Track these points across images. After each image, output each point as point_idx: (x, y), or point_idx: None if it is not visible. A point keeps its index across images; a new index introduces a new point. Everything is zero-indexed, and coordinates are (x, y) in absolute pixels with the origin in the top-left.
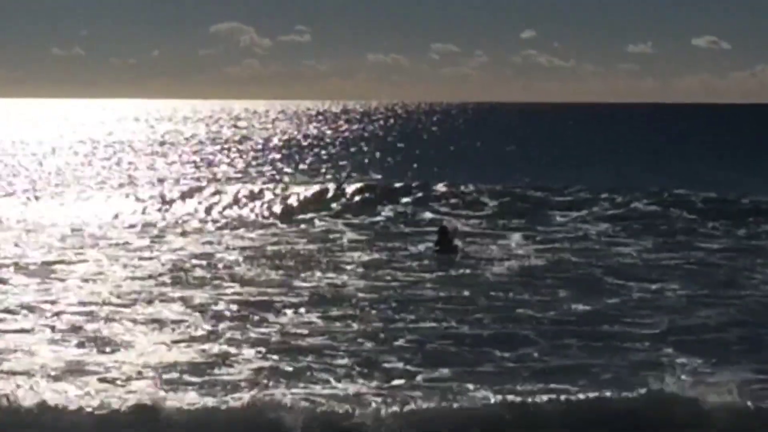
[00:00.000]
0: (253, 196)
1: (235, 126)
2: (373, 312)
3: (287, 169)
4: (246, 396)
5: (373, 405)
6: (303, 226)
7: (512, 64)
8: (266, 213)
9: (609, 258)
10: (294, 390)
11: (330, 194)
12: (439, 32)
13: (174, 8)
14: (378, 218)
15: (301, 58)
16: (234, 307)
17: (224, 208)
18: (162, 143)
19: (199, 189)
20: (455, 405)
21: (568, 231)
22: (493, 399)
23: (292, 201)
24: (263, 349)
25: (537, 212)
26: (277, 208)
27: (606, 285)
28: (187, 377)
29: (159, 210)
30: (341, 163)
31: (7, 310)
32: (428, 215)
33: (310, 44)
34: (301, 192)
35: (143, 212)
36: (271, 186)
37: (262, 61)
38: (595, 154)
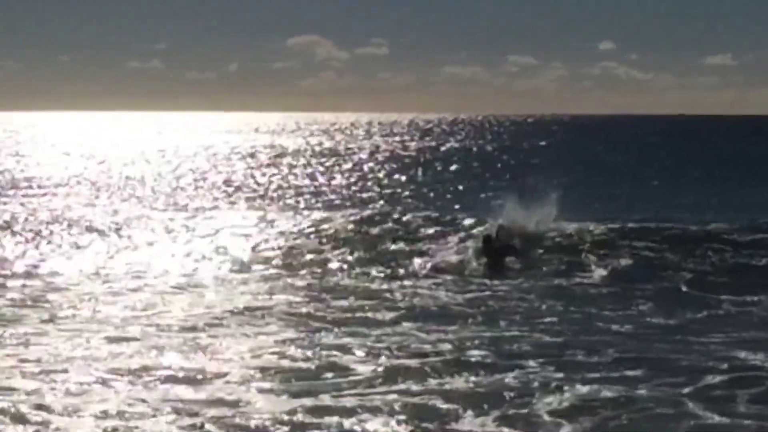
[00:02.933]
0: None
1: (332, 138)
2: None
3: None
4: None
5: None
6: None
7: (590, 76)
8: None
9: None
10: None
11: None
12: (517, 44)
13: (251, 22)
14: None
15: (378, 71)
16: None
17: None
18: (279, 155)
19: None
20: None
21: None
22: None
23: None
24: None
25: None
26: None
27: None
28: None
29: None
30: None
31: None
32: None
33: (387, 57)
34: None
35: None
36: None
37: (338, 73)
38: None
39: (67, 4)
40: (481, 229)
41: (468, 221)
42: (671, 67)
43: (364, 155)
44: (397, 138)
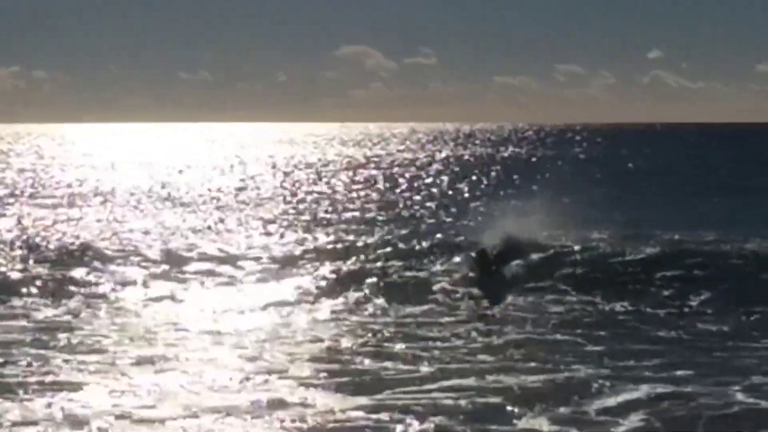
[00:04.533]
0: None
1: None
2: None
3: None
4: None
5: None
6: None
7: (639, 85)
8: None
9: None
10: None
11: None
12: (565, 53)
13: (300, 33)
14: None
15: (427, 81)
16: None
17: None
18: (363, 164)
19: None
20: None
21: None
22: None
23: None
24: None
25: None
26: None
27: None
28: None
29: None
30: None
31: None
32: None
33: (436, 66)
34: None
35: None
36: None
37: (387, 83)
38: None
39: (117, 16)
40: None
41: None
42: (721, 76)
43: (435, 165)
44: (455, 147)
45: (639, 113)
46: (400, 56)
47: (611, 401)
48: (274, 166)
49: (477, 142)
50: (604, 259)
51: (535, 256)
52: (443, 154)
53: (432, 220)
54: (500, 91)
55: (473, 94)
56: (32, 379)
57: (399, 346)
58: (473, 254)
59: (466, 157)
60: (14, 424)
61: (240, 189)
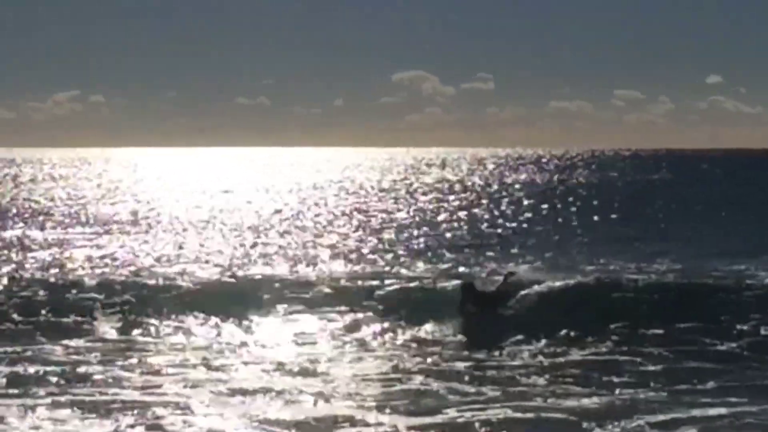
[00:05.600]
0: None
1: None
2: None
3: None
4: None
5: None
6: None
7: (697, 111)
8: None
9: None
10: None
11: None
12: (623, 78)
13: (357, 57)
14: None
15: (485, 106)
16: None
17: None
18: (441, 190)
19: None
20: None
21: None
22: None
23: None
24: None
25: None
26: None
27: None
28: None
29: None
30: None
31: None
32: None
33: (493, 91)
34: None
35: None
36: None
37: (444, 108)
38: None
39: (175, 42)
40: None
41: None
42: None
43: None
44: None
45: (698, 139)
46: (457, 81)
47: (664, 418)
48: (340, 190)
49: (531, 167)
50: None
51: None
52: (518, 177)
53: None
54: (557, 116)
55: (530, 119)
56: (102, 399)
57: (460, 366)
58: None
59: (538, 181)
60: None
61: (304, 213)
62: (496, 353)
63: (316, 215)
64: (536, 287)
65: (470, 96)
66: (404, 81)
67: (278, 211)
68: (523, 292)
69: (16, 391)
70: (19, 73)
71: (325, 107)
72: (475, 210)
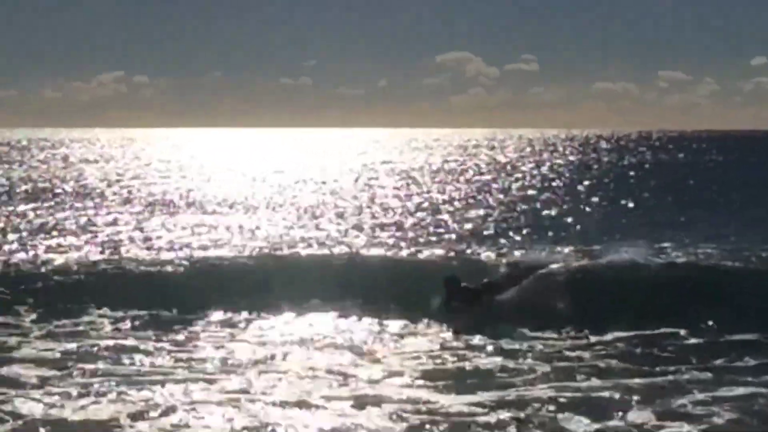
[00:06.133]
0: None
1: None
2: None
3: None
4: None
5: None
6: None
7: (741, 92)
8: None
9: None
10: None
11: None
12: (668, 60)
13: (401, 39)
14: None
15: (528, 87)
16: None
17: None
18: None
19: None
20: None
21: None
22: None
23: None
24: None
25: None
26: None
27: None
28: None
29: None
30: None
31: None
32: None
33: (537, 73)
34: None
35: None
36: None
37: (488, 89)
38: None
39: (219, 23)
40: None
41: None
42: None
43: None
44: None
45: (742, 120)
46: (501, 62)
47: (705, 397)
48: (391, 171)
49: (580, 147)
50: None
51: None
52: (569, 158)
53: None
54: (600, 97)
55: (573, 100)
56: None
57: (502, 343)
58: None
59: (590, 162)
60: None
61: (358, 194)
62: (535, 332)
63: (371, 196)
64: (556, 268)
65: (514, 77)
66: (448, 62)
67: (333, 193)
68: (538, 274)
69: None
70: (64, 53)
71: (369, 88)
72: (530, 192)
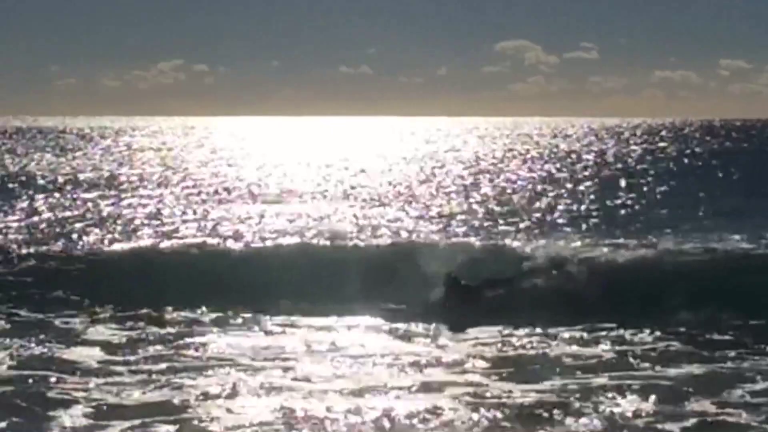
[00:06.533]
0: None
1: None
2: None
3: None
4: None
5: None
6: None
7: None
8: None
9: None
10: None
11: None
12: (729, 48)
13: (461, 27)
14: None
15: (588, 75)
16: None
17: None
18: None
19: None
20: None
21: None
22: None
23: None
24: None
25: None
26: None
27: None
28: None
29: None
30: None
31: None
32: None
33: (597, 61)
34: None
35: None
36: None
37: (547, 78)
38: None
39: (279, 12)
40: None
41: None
42: None
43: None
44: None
45: None
46: (560, 50)
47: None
48: (456, 159)
49: (645, 137)
50: None
51: None
52: (635, 148)
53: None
54: (660, 86)
55: (633, 88)
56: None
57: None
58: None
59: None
60: None
61: (425, 183)
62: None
63: (439, 185)
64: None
65: (573, 65)
66: (507, 50)
67: (400, 182)
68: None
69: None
70: (124, 42)
71: (428, 76)
72: (593, 182)
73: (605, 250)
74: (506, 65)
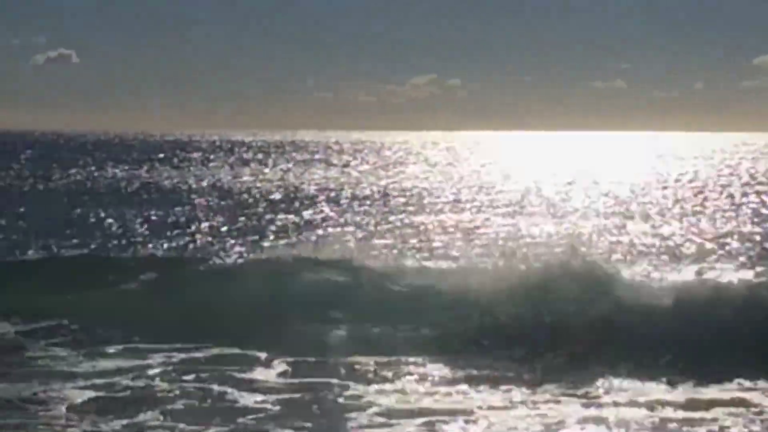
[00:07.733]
0: None
1: None
2: None
3: None
4: None
5: None
6: None
7: None
8: None
9: None
10: None
11: None
12: None
13: (717, 40)
14: None
15: None
16: None
17: None
18: None
19: None
20: None
21: None
22: None
23: None
24: None
25: None
26: None
27: None
28: None
29: None
30: None
31: None
32: None
33: None
34: None
35: None
36: None
37: None
38: None
39: (531, 27)
40: None
41: None
42: None
43: None
44: None
45: None
46: None
47: None
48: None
49: None
50: None
51: None
52: None
53: None
54: None
55: None
56: None
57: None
58: None
59: None
60: None
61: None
62: None
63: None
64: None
65: None
66: (766, 64)
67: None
68: None
69: None
70: (379, 57)
71: (684, 91)
72: None
73: None
74: (765, 80)
